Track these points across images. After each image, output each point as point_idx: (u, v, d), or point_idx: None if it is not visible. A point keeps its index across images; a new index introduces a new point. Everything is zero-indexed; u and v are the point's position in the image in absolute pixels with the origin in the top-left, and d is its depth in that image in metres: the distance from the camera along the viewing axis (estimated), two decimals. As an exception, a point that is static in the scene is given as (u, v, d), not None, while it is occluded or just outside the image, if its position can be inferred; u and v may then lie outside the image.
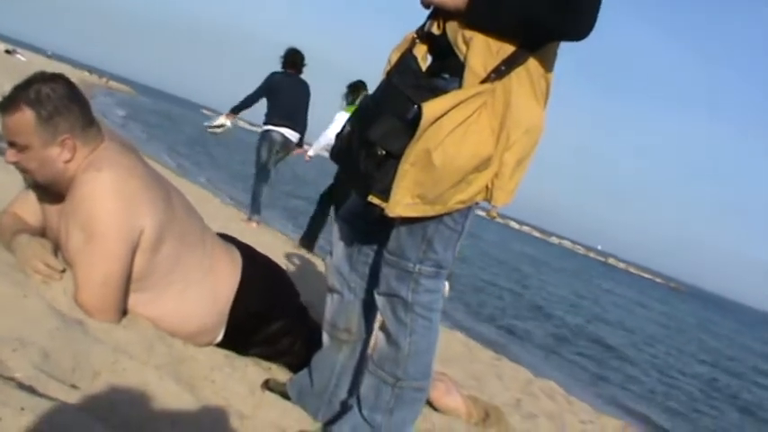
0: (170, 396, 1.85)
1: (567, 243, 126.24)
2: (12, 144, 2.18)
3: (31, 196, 2.41)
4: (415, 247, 2.02)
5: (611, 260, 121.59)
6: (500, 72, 1.89)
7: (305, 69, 8.08)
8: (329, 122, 7.97)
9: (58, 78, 2.23)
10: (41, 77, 2.20)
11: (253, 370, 2.53)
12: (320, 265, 6.31)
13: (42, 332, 1.76)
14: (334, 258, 2.34)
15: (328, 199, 7.76)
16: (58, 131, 2.16)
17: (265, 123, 7.89)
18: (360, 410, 2.17)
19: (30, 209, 2.42)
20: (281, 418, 2.24)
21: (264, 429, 2.04)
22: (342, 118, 7.79)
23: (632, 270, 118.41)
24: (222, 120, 7.99)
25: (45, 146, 2.16)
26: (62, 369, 1.70)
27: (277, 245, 6.91)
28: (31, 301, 1.88)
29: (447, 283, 2.31)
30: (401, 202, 1.90)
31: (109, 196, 2.11)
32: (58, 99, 2.16)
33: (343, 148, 2.06)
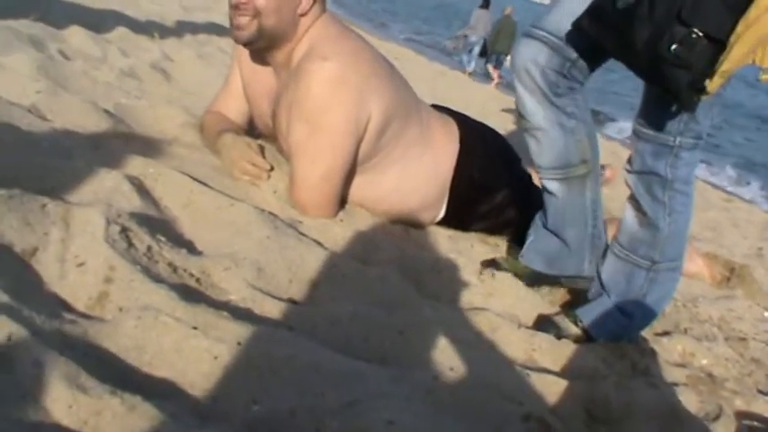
0: (395, 298, 1.69)
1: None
2: None
3: (235, 91, 2.30)
4: (677, 118, 1.72)
5: None
6: None
7: None
8: None
9: None
10: None
11: (479, 251, 2.32)
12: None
13: (254, 244, 1.64)
14: (532, 94, 1.90)
15: None
16: None
17: None
18: (609, 297, 1.94)
19: (234, 106, 2.32)
20: (515, 306, 2.02)
21: (499, 322, 1.83)
22: None
23: None
24: None
25: None
26: (278, 283, 1.57)
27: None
28: (239, 209, 1.76)
29: None
30: (715, 84, 1.55)
31: (337, 87, 1.93)
32: None
33: (614, 23, 1.62)
